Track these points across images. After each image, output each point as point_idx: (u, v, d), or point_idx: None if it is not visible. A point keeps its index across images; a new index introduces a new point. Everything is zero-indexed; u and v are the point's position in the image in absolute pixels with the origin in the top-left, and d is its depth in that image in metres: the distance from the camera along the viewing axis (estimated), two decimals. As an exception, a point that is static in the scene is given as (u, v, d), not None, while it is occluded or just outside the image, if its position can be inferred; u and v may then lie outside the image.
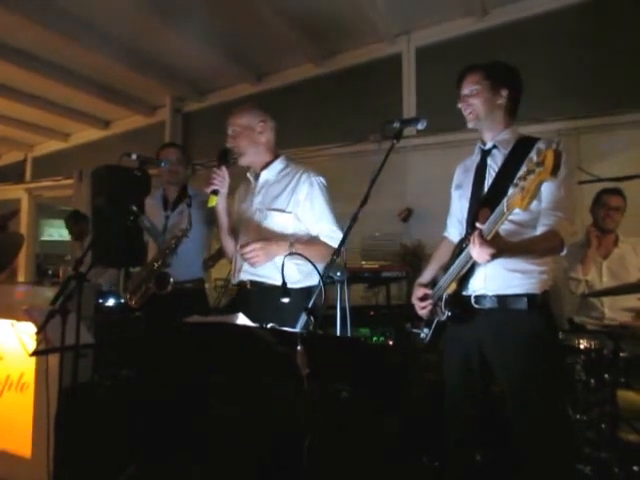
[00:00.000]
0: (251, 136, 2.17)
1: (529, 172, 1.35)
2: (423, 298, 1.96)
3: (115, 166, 2.76)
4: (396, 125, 1.78)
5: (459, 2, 4.08)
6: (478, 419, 1.88)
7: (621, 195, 3.00)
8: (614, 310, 2.87)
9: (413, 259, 3.93)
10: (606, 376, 2.38)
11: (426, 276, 2.05)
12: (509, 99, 1.84)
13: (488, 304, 1.78)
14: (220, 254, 3.15)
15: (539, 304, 1.76)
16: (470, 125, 1.88)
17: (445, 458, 2.04)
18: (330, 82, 4.93)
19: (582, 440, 2.36)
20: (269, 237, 2.07)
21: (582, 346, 2.46)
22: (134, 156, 2.34)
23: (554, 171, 1.30)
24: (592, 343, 2.45)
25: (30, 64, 4.58)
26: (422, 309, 1.96)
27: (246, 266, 2.13)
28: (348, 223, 1.69)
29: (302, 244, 2.04)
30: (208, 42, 4.43)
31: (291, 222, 2.13)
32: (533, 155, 1.36)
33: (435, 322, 1.91)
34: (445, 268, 1.87)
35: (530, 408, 1.72)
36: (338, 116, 4.83)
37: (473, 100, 1.84)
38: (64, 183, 6.17)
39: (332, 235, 2.11)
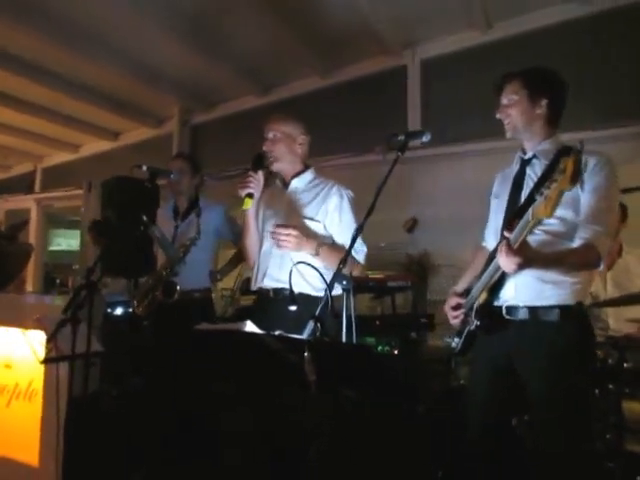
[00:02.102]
0: (291, 145, 2.19)
1: (553, 181, 1.36)
2: (456, 307, 1.92)
3: (125, 177, 2.81)
4: (401, 138, 1.78)
5: (463, 15, 4.12)
6: (499, 431, 1.85)
7: None
8: (619, 321, 2.86)
9: (419, 269, 3.94)
10: (610, 386, 2.38)
11: (461, 285, 2.01)
12: (549, 108, 1.78)
13: (520, 315, 1.73)
14: (230, 267, 3.17)
15: (573, 315, 1.70)
16: (508, 135, 1.85)
17: (459, 468, 2.03)
18: (335, 94, 4.97)
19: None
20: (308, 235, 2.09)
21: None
22: (145, 167, 2.39)
23: (573, 179, 1.31)
24: (596, 353, 2.45)
25: (41, 77, 4.66)
26: (454, 318, 1.92)
27: (270, 271, 2.14)
28: (352, 237, 1.71)
29: (328, 248, 2.06)
30: (215, 55, 4.50)
31: (320, 231, 2.15)
32: (560, 164, 1.36)
33: (466, 331, 1.87)
34: (478, 277, 1.84)
35: (563, 422, 1.68)
36: (343, 128, 4.86)
37: (511, 110, 1.81)
38: (73, 194, 6.23)
39: (357, 248, 2.09)
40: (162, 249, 2.79)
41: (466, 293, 1.93)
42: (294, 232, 2.01)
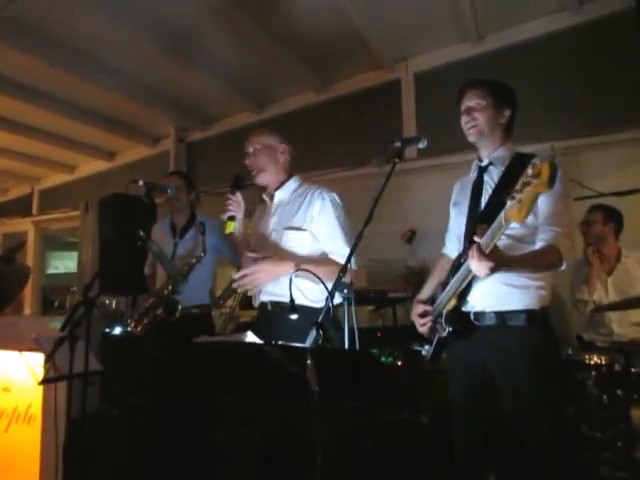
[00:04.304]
0: (273, 155, 2.20)
1: (525, 184, 1.36)
2: (423, 315, 1.95)
3: (121, 194, 2.81)
4: (397, 145, 1.79)
5: (455, 28, 4.17)
6: (489, 438, 1.85)
7: (598, 210, 3.05)
8: (622, 326, 2.85)
9: (418, 279, 3.91)
10: (619, 392, 2.35)
11: (425, 293, 2.04)
12: (509, 119, 1.87)
13: (487, 321, 1.77)
14: (231, 291, 3.14)
15: (538, 319, 1.74)
16: (471, 139, 1.88)
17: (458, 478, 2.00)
18: (330, 109, 5.00)
19: (599, 459, 2.31)
20: (284, 257, 2.06)
21: (592, 362, 2.43)
22: (141, 182, 2.39)
23: (550, 183, 1.32)
24: (602, 359, 2.43)
25: (36, 99, 4.68)
26: (422, 326, 1.95)
27: (267, 287, 2.12)
28: (352, 245, 1.69)
29: (311, 263, 1.97)
30: (210, 73, 4.53)
31: (308, 240, 2.10)
32: (529, 169, 1.37)
33: (436, 338, 1.89)
34: (444, 284, 1.86)
35: (536, 425, 1.70)
36: (339, 142, 4.88)
37: (478, 114, 1.84)
38: (70, 215, 6.23)
39: (343, 253, 2.03)
40: (160, 265, 2.77)
41: (431, 301, 1.96)
42: (257, 268, 2.00)
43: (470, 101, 1.86)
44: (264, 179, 2.21)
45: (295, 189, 2.22)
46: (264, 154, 2.19)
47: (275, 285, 2.09)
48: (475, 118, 1.84)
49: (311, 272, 1.79)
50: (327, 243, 2.10)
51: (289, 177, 2.25)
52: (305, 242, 2.10)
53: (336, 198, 2.14)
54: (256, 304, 2.22)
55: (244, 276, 2.01)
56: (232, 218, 2.07)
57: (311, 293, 2.03)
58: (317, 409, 1.13)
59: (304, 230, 2.10)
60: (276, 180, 2.23)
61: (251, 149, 2.21)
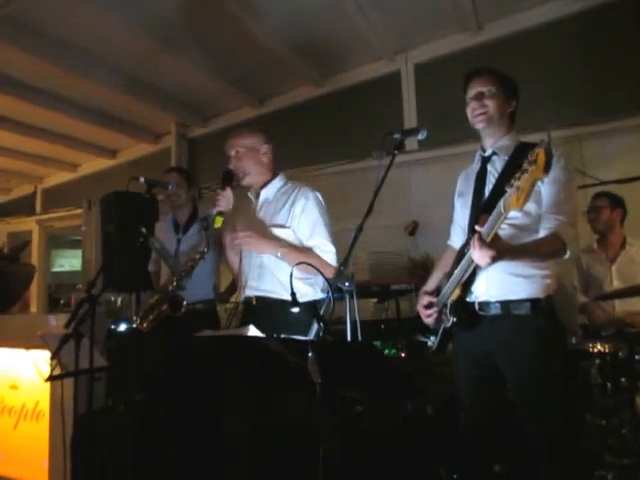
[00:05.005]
0: (255, 157, 2.22)
1: (523, 172, 1.36)
2: (428, 306, 1.95)
3: (123, 192, 2.80)
4: (397, 136, 1.79)
5: (454, 18, 4.14)
6: (494, 430, 1.86)
7: (603, 196, 3.05)
8: (626, 314, 2.84)
9: (422, 272, 3.91)
10: (623, 380, 2.35)
11: (431, 284, 2.04)
12: (514, 110, 1.88)
13: (492, 311, 1.77)
14: (235, 286, 3.15)
15: (543, 309, 1.74)
16: (479, 126, 1.85)
17: (463, 471, 2.01)
18: (331, 102, 4.99)
19: (603, 447, 2.31)
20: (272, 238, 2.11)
21: (596, 350, 2.43)
22: (142, 179, 2.40)
23: (546, 168, 1.31)
24: (606, 346, 2.42)
25: (37, 98, 4.67)
26: (428, 317, 1.95)
27: (250, 282, 2.18)
28: (353, 237, 1.69)
29: (292, 250, 2.06)
30: (210, 69, 4.53)
31: (291, 237, 2.15)
32: (529, 156, 1.37)
33: (441, 329, 1.89)
34: (448, 275, 1.86)
35: (539, 413, 1.70)
36: (340, 135, 4.87)
37: (488, 101, 1.82)
38: (74, 213, 6.24)
39: (323, 248, 2.12)
40: (163, 261, 2.78)
41: (436, 292, 1.96)
42: (253, 234, 2.07)
43: (481, 87, 1.83)
44: (249, 181, 2.25)
45: (280, 187, 2.25)
46: (247, 157, 2.20)
47: (259, 281, 2.15)
48: (485, 105, 1.82)
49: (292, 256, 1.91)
50: (309, 239, 2.14)
51: (274, 176, 2.28)
52: (288, 239, 2.14)
53: (319, 196, 2.20)
54: (241, 299, 2.26)
55: (244, 234, 2.07)
56: (221, 213, 2.10)
57: (296, 286, 2.04)
58: (319, 401, 1.14)
59: (287, 227, 2.14)
60: (261, 180, 2.26)
61: (233, 152, 2.22)
